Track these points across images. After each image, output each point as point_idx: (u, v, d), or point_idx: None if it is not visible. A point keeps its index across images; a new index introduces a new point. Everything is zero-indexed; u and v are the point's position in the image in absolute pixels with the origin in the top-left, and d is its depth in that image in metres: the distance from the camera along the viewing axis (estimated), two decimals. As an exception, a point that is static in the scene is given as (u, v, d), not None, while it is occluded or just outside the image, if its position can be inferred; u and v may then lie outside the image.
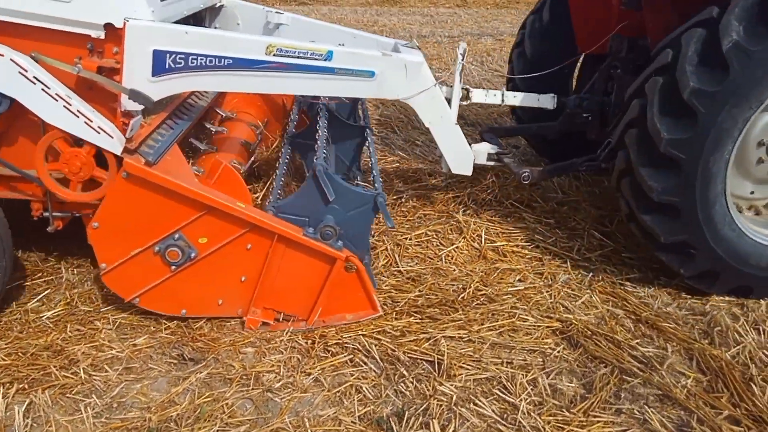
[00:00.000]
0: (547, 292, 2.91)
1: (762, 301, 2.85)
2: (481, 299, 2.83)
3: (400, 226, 3.39)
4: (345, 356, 2.41)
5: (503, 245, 3.28)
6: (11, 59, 2.24)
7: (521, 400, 2.22)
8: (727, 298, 2.89)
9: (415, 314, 2.69)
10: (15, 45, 2.28)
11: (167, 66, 2.41)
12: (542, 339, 2.58)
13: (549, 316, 2.72)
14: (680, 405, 2.25)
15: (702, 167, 2.60)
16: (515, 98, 3.68)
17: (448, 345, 2.49)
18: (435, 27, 11.72)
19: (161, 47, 2.38)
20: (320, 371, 2.33)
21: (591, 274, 3.08)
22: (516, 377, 2.34)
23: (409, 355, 2.44)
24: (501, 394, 2.26)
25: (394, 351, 2.45)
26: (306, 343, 2.47)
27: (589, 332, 2.61)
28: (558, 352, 2.51)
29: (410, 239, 3.28)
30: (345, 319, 2.65)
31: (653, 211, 2.72)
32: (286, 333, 2.52)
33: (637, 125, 2.72)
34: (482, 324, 2.65)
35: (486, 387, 2.30)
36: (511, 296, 2.86)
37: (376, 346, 2.47)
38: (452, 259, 3.16)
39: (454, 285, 2.93)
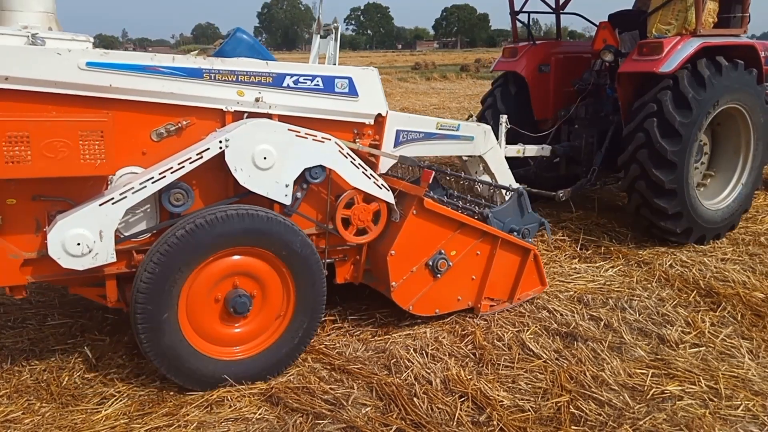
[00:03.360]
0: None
1: (428, 331, 3.51)
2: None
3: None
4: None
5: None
6: (335, 142, 3.15)
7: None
8: (403, 333, 3.49)
9: (123, 415, 2.72)
10: None
11: (400, 140, 3.59)
12: (246, 407, 2.81)
13: (254, 384, 2.98)
14: (360, 431, 2.66)
15: (686, 166, 4.59)
16: (529, 150, 5.26)
17: (153, 437, 2.58)
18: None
19: (400, 127, 3.57)
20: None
21: (295, 338, 3.45)
22: (218, 447, 2.52)
23: (111, 456, 2.46)
24: (204, 467, 2.42)
25: (94, 456, 2.44)
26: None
27: (289, 390, 2.93)
28: (260, 414, 2.77)
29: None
30: (529, 295, 3.87)
31: (663, 196, 4.61)
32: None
33: (646, 147, 4.58)
34: (190, 405, 2.79)
35: (190, 465, 2.44)
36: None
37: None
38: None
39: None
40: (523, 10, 5.89)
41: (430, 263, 3.43)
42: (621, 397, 2.85)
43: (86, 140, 2.59)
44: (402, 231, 3.32)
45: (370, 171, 3.28)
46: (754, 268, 4.46)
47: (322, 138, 3.12)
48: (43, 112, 2.65)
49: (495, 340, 3.41)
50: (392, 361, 3.19)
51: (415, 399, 2.85)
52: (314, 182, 3.17)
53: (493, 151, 4.16)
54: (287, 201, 3.09)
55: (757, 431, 2.64)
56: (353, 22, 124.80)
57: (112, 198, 2.70)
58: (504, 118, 4.77)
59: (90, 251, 2.69)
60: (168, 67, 2.89)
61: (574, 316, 3.67)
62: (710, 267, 4.43)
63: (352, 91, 3.30)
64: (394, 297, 3.39)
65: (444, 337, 3.45)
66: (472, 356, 3.27)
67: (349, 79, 3.29)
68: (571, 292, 4.04)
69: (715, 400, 2.84)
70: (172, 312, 2.79)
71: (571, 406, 2.80)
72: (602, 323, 3.59)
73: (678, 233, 4.74)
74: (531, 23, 6.12)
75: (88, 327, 3.57)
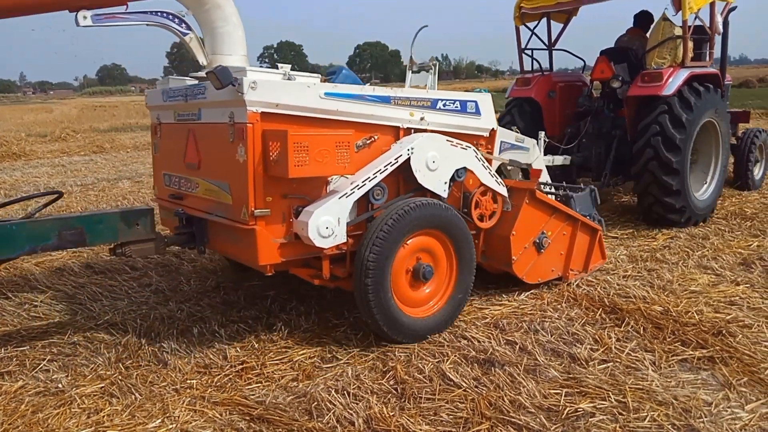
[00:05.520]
0: (168, 418, 3.02)
1: (349, 370, 3.47)
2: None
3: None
4: None
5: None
6: (473, 149, 4.09)
7: None
8: (325, 375, 3.44)
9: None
10: None
11: (501, 149, 4.67)
12: (159, 469, 2.65)
13: (168, 444, 2.82)
14: (283, 482, 2.57)
15: (684, 162, 6.08)
16: (556, 160, 6.65)
17: None
18: (66, 177, 11.20)
19: (503, 139, 4.70)
20: None
21: (211, 389, 3.32)
22: None
23: None
24: None
25: None
26: None
27: (205, 446, 2.79)
28: (174, 475, 2.61)
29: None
30: (595, 267, 4.96)
31: (670, 174, 6.00)
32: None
33: (659, 135, 6.00)
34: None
35: None
36: (129, 437, 2.88)
37: None
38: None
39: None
40: (528, 47, 7.51)
41: (537, 241, 4.45)
42: (538, 420, 2.93)
43: (339, 149, 3.45)
44: (520, 216, 4.30)
45: (493, 171, 4.26)
46: (653, 283, 4.76)
47: (465, 146, 4.07)
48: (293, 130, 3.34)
49: (416, 373, 3.42)
50: (314, 405, 3.12)
51: (338, 442, 2.80)
52: (458, 180, 4.08)
53: (538, 160, 5.22)
54: (445, 195, 4.00)
55: (663, 440, 2.79)
56: (266, 60, 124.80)
57: (346, 193, 3.55)
58: (542, 134, 5.74)
59: (333, 234, 3.51)
60: (371, 95, 3.78)
61: (490, 342, 3.75)
62: (613, 284, 4.69)
63: (477, 111, 4.35)
64: (514, 268, 4.38)
65: (365, 375, 3.43)
66: (394, 391, 3.26)
67: (476, 102, 4.33)
68: (488, 318, 4.14)
69: (624, 413, 2.98)
70: (388, 281, 3.64)
71: (491, 433, 2.85)
72: (517, 347, 3.70)
73: (677, 208, 6.15)
74: (523, 58, 7.57)
75: (-21, 398, 3.27)
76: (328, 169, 3.46)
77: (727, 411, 2.98)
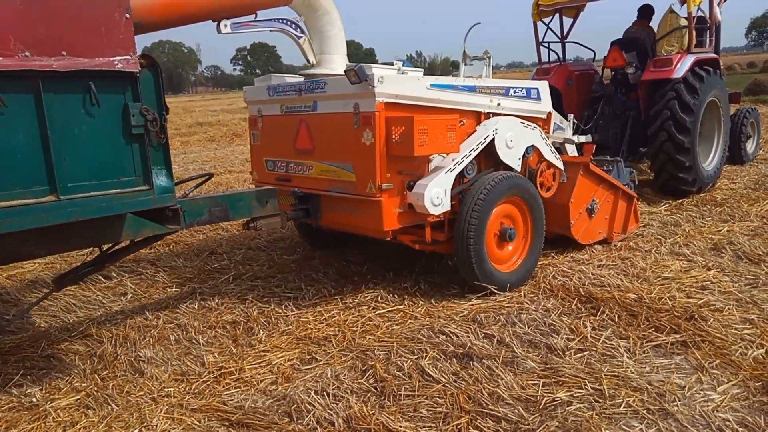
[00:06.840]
0: (146, 428, 2.99)
1: (329, 372, 3.47)
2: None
3: None
4: None
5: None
6: (539, 129, 4.81)
7: None
8: (304, 377, 3.43)
9: None
10: None
11: (554, 129, 5.33)
12: (137, 479, 2.62)
13: (146, 454, 2.79)
14: (264, 486, 2.55)
15: (694, 141, 6.87)
16: (580, 139, 6.56)
17: None
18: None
19: (555, 122, 5.35)
20: None
21: (189, 396, 3.29)
22: None
23: None
24: None
25: None
26: None
27: (184, 453, 2.77)
28: (153, 485, 2.59)
29: None
30: (631, 231, 5.73)
31: (682, 152, 6.83)
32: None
33: (671, 119, 6.79)
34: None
35: None
36: (106, 449, 2.85)
37: None
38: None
39: None
40: (544, 40, 8.33)
41: (589, 207, 5.23)
42: (516, 411, 2.96)
43: (449, 131, 4.07)
44: (576, 186, 5.04)
45: (552, 148, 4.91)
46: (627, 271, 4.83)
47: (533, 127, 4.75)
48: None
49: (395, 371, 3.43)
50: (293, 407, 3.11)
51: (317, 443, 2.79)
52: (527, 156, 4.71)
53: (570, 138, 5.83)
54: (519, 169, 4.67)
55: (638, 424, 2.83)
56: (240, 62, 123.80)
57: (450, 168, 4.20)
58: (571, 116, 6.14)
59: (441, 203, 4.14)
60: (462, 85, 4.42)
61: (469, 336, 3.78)
62: (588, 274, 4.75)
63: (538, 97, 5.03)
64: (572, 231, 5.15)
65: (345, 375, 3.42)
66: (374, 390, 3.26)
67: (537, 89, 5.02)
68: (466, 313, 4.17)
69: (600, 401, 3.02)
70: (484, 241, 4.32)
71: (470, 427, 2.87)
72: (495, 340, 3.72)
73: (689, 180, 6.97)
74: (541, 51, 8.39)
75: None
76: (441, 148, 4.08)
77: (700, 393, 3.04)
